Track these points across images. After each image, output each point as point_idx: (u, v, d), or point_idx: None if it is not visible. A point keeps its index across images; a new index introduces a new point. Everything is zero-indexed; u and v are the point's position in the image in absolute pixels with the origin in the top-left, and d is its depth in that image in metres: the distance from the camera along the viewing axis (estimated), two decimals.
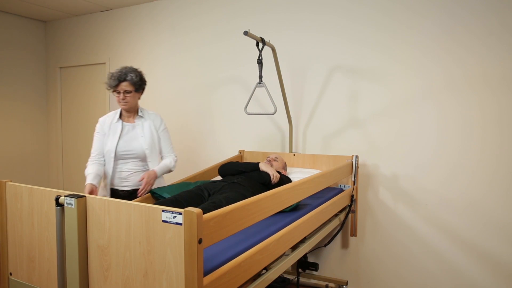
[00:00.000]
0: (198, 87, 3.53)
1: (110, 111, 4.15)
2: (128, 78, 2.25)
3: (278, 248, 1.65)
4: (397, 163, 2.70)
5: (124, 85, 2.25)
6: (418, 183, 2.64)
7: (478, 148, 2.46)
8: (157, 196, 2.16)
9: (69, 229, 1.35)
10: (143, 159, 2.34)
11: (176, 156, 2.47)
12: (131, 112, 2.37)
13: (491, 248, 2.45)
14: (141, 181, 2.21)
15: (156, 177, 2.27)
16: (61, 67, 4.44)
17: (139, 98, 2.39)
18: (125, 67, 2.29)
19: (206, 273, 1.32)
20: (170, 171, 2.41)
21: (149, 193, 2.21)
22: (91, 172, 2.23)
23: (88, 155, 2.36)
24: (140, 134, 2.34)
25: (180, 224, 1.16)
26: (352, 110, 2.83)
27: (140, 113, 2.39)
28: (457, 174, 2.53)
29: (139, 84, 2.31)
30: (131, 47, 3.91)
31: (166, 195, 2.13)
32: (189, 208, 1.14)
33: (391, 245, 2.75)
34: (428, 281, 2.65)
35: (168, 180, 2.54)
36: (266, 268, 1.72)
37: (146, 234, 1.23)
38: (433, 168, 2.59)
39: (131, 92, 2.27)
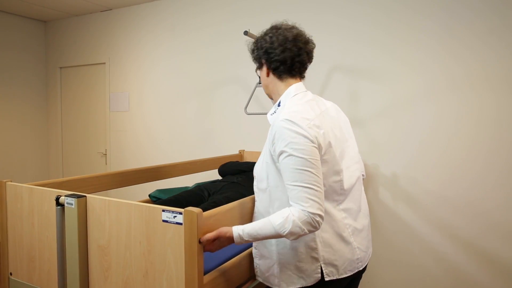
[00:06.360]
0: (198, 87, 3.53)
1: (110, 111, 4.19)
2: None
3: None
4: (397, 163, 2.70)
5: None
6: (418, 183, 2.64)
7: (479, 148, 2.46)
8: (154, 200, 2.15)
9: (69, 229, 1.35)
10: None
11: None
12: None
13: (491, 248, 2.45)
14: None
15: None
16: (61, 67, 4.44)
17: None
18: None
19: (205, 272, 1.33)
20: None
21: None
22: None
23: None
24: None
25: (181, 224, 1.16)
26: (352, 110, 2.82)
27: None
28: (458, 174, 2.52)
29: None
30: (131, 47, 3.91)
31: (164, 197, 2.12)
32: (189, 208, 1.14)
33: (391, 245, 2.75)
34: (428, 281, 2.65)
35: (169, 181, 2.54)
36: None
37: (146, 234, 1.23)
38: (434, 168, 2.59)
39: None
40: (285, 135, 1.17)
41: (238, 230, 1.19)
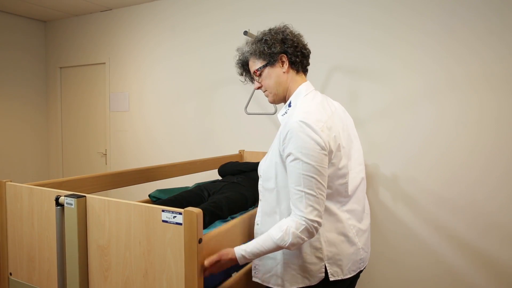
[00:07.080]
0: (198, 87, 3.52)
1: (110, 111, 4.19)
2: None
3: None
4: (397, 163, 2.70)
5: None
6: (418, 183, 2.64)
7: (480, 148, 2.46)
8: (154, 200, 2.15)
9: (69, 229, 1.35)
10: None
11: None
12: None
13: (491, 250, 2.45)
14: None
15: None
16: (61, 67, 4.44)
17: None
18: None
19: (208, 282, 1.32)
20: None
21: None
22: None
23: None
24: None
25: (180, 224, 1.15)
26: (352, 110, 2.82)
27: None
28: (458, 175, 2.52)
29: None
30: (131, 47, 3.91)
31: (164, 197, 2.11)
32: (189, 208, 1.14)
33: (391, 245, 2.75)
34: (428, 282, 2.64)
35: (169, 181, 2.53)
36: None
37: (146, 234, 1.23)
38: (434, 168, 2.59)
39: None
40: (297, 137, 1.16)
41: (240, 251, 1.19)
